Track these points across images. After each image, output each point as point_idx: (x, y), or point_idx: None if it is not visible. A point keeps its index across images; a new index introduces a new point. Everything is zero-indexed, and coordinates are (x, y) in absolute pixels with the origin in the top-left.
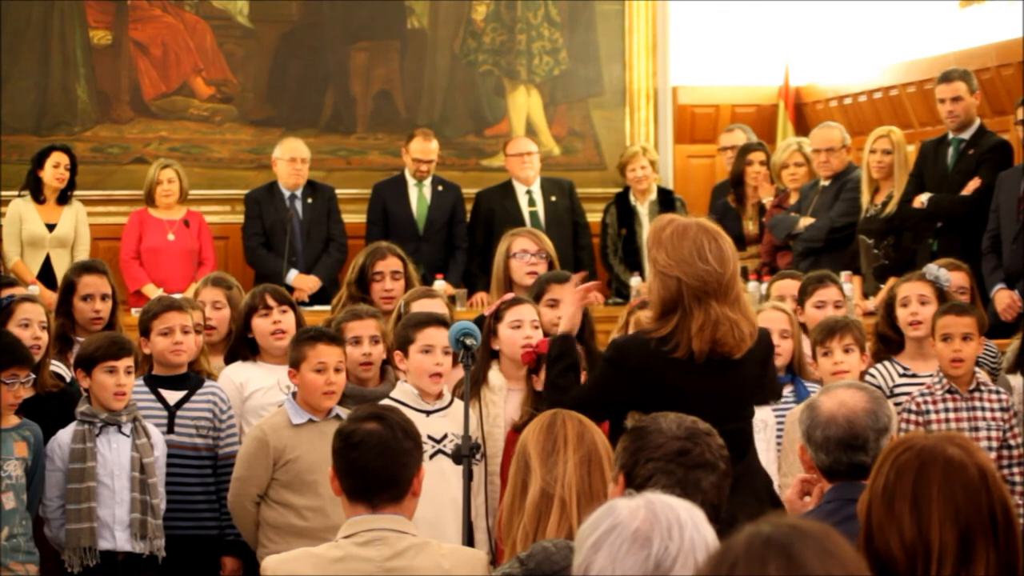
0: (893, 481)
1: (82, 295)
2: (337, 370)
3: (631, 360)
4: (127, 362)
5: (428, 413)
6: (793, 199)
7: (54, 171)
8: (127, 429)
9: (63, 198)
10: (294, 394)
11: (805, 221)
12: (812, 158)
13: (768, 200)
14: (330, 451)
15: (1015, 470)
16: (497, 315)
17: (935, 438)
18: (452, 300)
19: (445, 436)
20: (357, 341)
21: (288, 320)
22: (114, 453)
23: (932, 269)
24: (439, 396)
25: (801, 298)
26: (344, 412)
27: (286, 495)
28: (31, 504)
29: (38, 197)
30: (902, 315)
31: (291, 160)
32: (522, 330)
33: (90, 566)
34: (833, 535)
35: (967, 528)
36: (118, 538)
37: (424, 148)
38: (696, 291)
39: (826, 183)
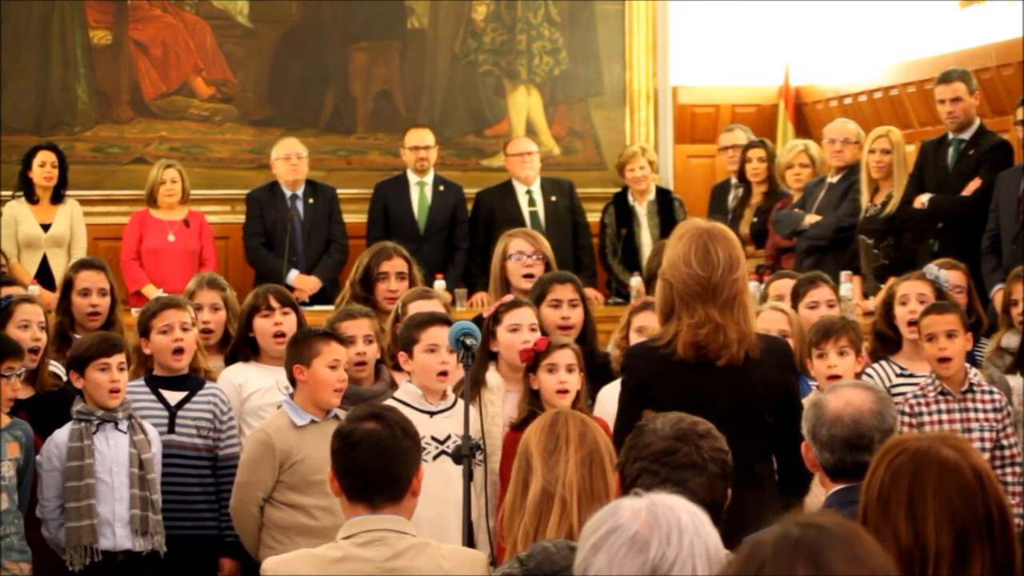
0: (888, 485)
1: (79, 290)
2: (345, 368)
3: (638, 364)
4: (119, 359)
5: (431, 414)
6: (796, 200)
7: (40, 170)
8: (124, 426)
9: (57, 197)
10: (291, 395)
11: (811, 218)
12: (826, 148)
13: (756, 202)
14: None
15: (1008, 471)
16: (496, 317)
17: (929, 439)
18: (452, 301)
19: (448, 437)
20: (351, 341)
21: (290, 322)
22: (112, 450)
23: (932, 269)
24: (443, 396)
25: (794, 300)
26: (343, 412)
27: (293, 496)
28: (22, 503)
29: (31, 198)
30: (900, 314)
31: (286, 157)
32: (520, 333)
33: (89, 564)
34: (862, 537)
35: (963, 530)
36: (118, 535)
37: (418, 135)
38: (681, 294)
39: (833, 180)
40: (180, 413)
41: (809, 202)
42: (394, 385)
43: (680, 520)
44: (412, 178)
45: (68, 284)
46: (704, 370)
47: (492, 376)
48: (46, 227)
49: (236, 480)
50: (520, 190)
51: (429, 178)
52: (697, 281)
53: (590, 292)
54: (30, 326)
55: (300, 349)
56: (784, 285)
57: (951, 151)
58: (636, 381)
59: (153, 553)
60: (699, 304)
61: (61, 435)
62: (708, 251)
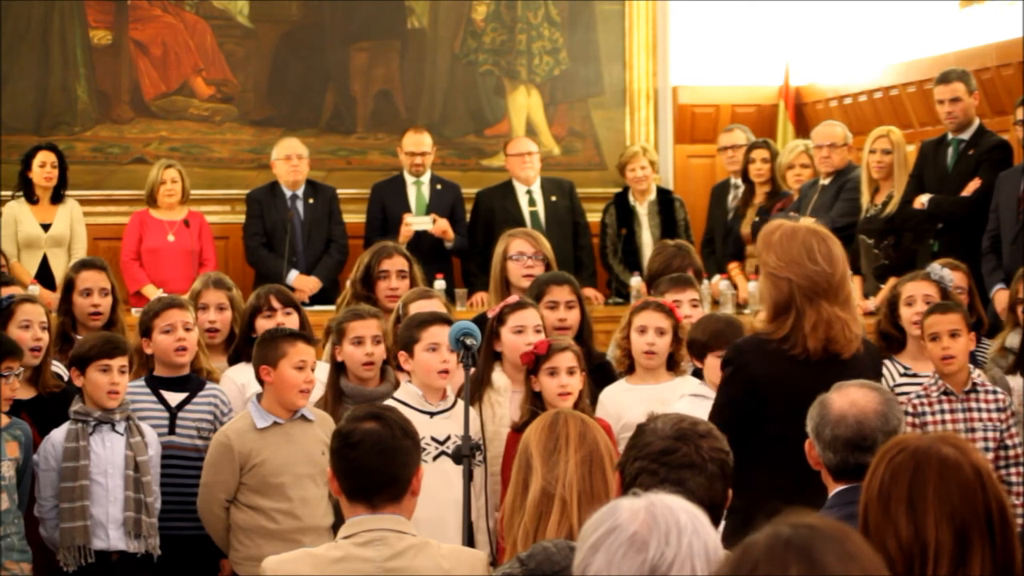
0: (888, 483)
1: (81, 290)
2: (312, 369)
3: (747, 359)
4: (121, 361)
5: (432, 414)
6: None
7: (40, 171)
8: (121, 428)
9: (56, 197)
10: (258, 397)
11: (805, 221)
12: (814, 154)
13: (759, 201)
14: (296, 453)
15: (1012, 471)
16: (500, 318)
17: (929, 439)
18: (452, 300)
19: (448, 437)
20: (359, 341)
21: (292, 323)
22: (108, 451)
23: (936, 269)
24: (443, 397)
25: None
26: (311, 413)
27: (254, 498)
28: (21, 503)
29: (31, 198)
30: (906, 314)
31: (287, 158)
32: (524, 335)
33: (83, 565)
34: (853, 536)
35: (963, 527)
36: (111, 536)
37: (415, 140)
38: (806, 291)
39: (826, 182)
40: (180, 414)
41: (804, 204)
42: (398, 385)
43: (679, 520)
44: (409, 178)
45: (69, 284)
46: (822, 366)
47: (499, 377)
48: (46, 227)
49: (200, 480)
50: (520, 190)
51: (426, 177)
52: (824, 278)
53: (590, 292)
54: (31, 326)
55: (266, 350)
56: None
57: (951, 151)
58: (745, 376)
59: (148, 555)
60: (823, 300)
61: (58, 435)
62: (829, 248)
